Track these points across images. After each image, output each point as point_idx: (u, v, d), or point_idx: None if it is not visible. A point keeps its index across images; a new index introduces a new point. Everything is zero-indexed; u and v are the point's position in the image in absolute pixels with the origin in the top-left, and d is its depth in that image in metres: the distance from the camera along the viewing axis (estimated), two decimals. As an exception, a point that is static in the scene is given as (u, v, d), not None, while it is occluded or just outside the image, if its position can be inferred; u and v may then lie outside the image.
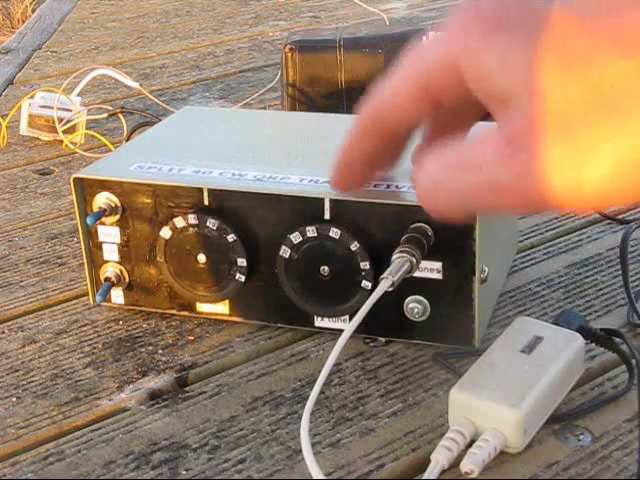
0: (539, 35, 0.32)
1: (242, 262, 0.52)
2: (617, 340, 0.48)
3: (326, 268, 0.50)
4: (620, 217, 0.66)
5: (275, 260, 0.51)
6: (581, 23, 0.31)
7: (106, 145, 0.84)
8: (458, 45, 0.34)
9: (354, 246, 0.49)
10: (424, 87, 0.36)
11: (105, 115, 0.91)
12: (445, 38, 0.35)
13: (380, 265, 0.49)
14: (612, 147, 0.30)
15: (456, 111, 0.40)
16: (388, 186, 0.49)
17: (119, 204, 0.53)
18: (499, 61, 0.33)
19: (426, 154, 0.41)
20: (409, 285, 0.49)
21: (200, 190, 0.51)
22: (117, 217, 0.53)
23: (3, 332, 0.55)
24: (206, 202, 0.52)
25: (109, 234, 0.54)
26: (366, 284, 0.50)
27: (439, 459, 0.41)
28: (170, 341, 0.53)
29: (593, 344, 0.49)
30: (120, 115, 0.91)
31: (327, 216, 0.50)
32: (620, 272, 0.55)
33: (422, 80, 0.36)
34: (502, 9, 0.33)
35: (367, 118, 0.40)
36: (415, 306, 0.50)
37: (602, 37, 0.31)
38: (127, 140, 0.80)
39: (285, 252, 0.51)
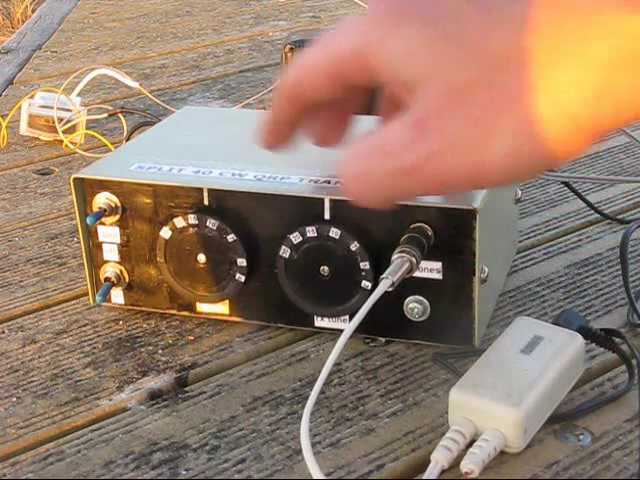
0: (436, 21, 0.33)
1: (242, 262, 0.52)
2: (617, 340, 0.48)
3: (326, 268, 0.50)
4: (620, 217, 0.66)
5: (275, 260, 0.51)
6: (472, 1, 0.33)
7: (106, 145, 0.84)
8: (365, 37, 0.35)
9: (354, 246, 0.49)
10: (335, 72, 0.38)
11: (105, 115, 0.91)
12: (356, 28, 0.36)
13: (380, 265, 0.49)
14: (509, 121, 0.32)
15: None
16: (388, 186, 0.49)
17: (119, 204, 0.53)
18: (403, 52, 0.34)
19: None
20: (409, 285, 0.49)
21: (200, 190, 0.51)
22: (117, 217, 0.53)
23: (3, 332, 0.55)
24: (206, 202, 0.52)
25: (109, 234, 0.54)
26: (366, 284, 0.50)
27: (439, 459, 0.41)
28: (170, 341, 0.53)
29: (593, 344, 0.49)
30: (120, 115, 0.91)
31: (327, 216, 0.49)
32: (620, 272, 0.55)
33: (333, 65, 0.37)
34: (405, 1, 0.35)
35: (287, 85, 0.41)
36: (415, 306, 0.50)
37: (495, 16, 0.32)
38: (127, 140, 0.80)
39: (285, 252, 0.51)
